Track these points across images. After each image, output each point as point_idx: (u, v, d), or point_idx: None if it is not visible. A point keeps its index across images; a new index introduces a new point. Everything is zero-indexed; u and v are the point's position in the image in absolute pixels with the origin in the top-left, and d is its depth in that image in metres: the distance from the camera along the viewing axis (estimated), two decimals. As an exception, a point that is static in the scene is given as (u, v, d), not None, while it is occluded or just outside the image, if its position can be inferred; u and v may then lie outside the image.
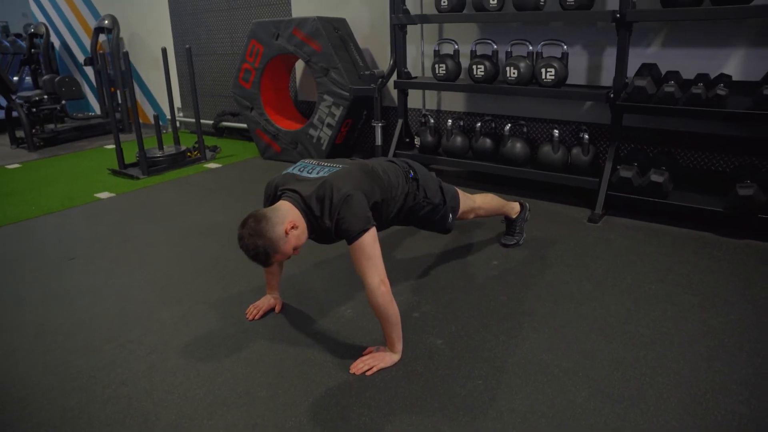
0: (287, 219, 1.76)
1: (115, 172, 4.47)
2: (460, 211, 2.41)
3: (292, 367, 1.88)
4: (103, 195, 3.92)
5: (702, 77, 2.93)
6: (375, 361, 1.84)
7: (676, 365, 1.80)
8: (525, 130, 3.67)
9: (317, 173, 1.88)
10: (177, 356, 1.97)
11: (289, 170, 1.96)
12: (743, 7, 2.64)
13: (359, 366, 1.84)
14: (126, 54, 4.43)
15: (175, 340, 2.06)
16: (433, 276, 2.52)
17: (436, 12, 3.64)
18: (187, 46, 4.52)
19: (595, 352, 1.89)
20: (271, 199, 1.94)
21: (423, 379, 1.78)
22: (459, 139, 3.77)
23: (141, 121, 6.04)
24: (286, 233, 1.75)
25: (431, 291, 2.38)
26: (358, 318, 2.17)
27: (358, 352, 1.92)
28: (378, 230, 2.16)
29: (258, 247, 1.72)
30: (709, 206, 2.84)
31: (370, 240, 1.78)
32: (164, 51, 4.53)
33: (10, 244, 3.11)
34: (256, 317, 2.19)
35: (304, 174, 1.90)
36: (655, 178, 2.95)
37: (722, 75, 2.89)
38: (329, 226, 1.81)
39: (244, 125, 5.22)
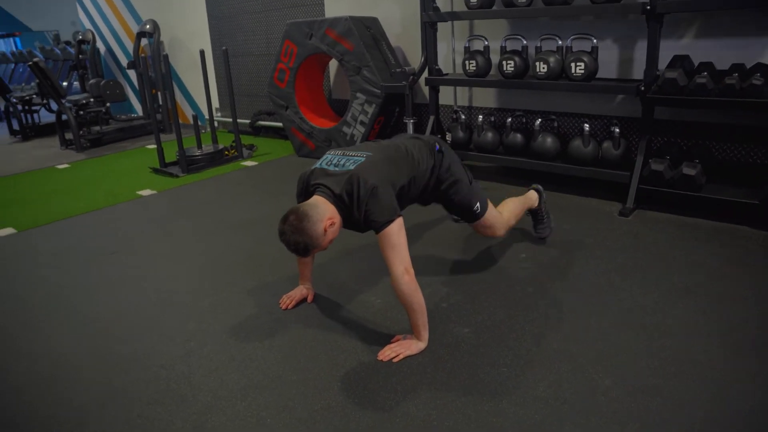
0: (326, 216, 1.84)
1: (156, 171, 4.66)
2: (489, 216, 2.35)
3: (322, 353, 1.96)
4: (145, 192, 4.10)
5: (737, 67, 2.87)
6: (402, 349, 1.90)
7: (704, 356, 1.80)
8: (556, 124, 3.67)
9: (344, 166, 1.94)
10: (213, 343, 2.07)
11: (318, 165, 2.03)
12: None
13: (386, 353, 1.90)
14: (166, 57, 4.62)
15: (211, 328, 2.17)
16: (462, 268, 2.56)
17: (465, 9, 3.67)
18: (224, 47, 4.66)
19: (620, 343, 1.90)
20: (304, 193, 2.01)
21: (448, 366, 1.83)
22: (490, 135, 3.79)
23: (180, 121, 6.25)
24: (325, 230, 1.83)
25: (460, 282, 2.42)
26: (386, 308, 2.23)
27: (386, 340, 1.98)
28: (412, 203, 2.19)
29: (299, 243, 1.81)
30: (743, 199, 2.79)
31: (396, 229, 1.84)
32: (202, 53, 4.69)
33: (59, 238, 3.29)
34: (289, 307, 2.28)
35: (332, 168, 1.97)
36: (687, 171, 2.91)
37: (759, 64, 2.82)
38: (359, 217, 1.88)
39: (280, 124, 5.35)
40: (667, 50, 3.14)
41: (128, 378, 1.88)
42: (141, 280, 2.65)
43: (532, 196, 2.71)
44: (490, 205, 2.39)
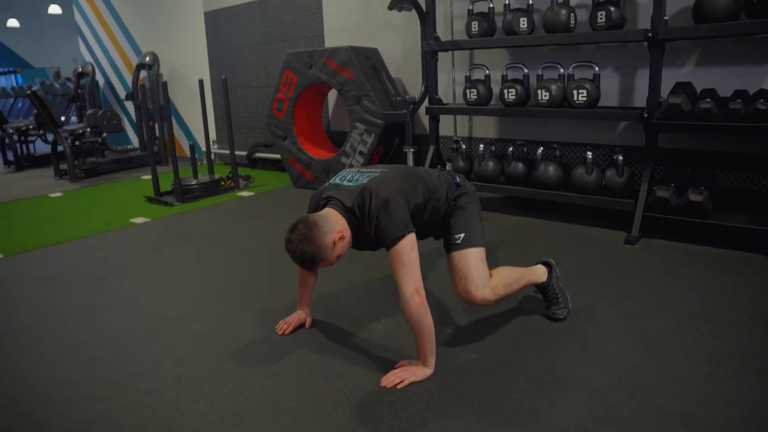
0: (336, 228, 1.75)
1: (150, 199, 4.57)
2: (472, 267, 1.93)
3: (322, 379, 1.83)
4: (138, 220, 4.00)
5: (740, 94, 2.85)
6: (406, 375, 1.78)
7: (730, 382, 1.69)
8: (557, 153, 3.62)
9: (357, 181, 1.87)
10: (204, 368, 1.94)
11: (331, 181, 1.96)
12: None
13: (390, 379, 1.78)
14: (165, 84, 4.56)
15: (203, 353, 2.04)
16: (465, 294, 2.46)
17: (466, 38, 3.68)
18: (223, 76, 4.66)
19: (638, 368, 1.79)
20: (315, 210, 1.91)
21: (457, 393, 1.71)
22: (491, 164, 3.74)
23: (177, 154, 6.22)
24: (334, 243, 1.74)
25: (465, 309, 2.31)
26: (390, 333, 2.12)
27: (390, 366, 1.86)
28: (426, 235, 2.06)
29: (305, 254, 1.71)
30: (753, 225, 2.72)
31: (408, 246, 1.74)
32: (201, 82, 4.68)
33: (49, 263, 3.17)
34: (286, 332, 2.15)
35: (345, 183, 1.89)
36: (694, 197, 2.85)
37: (762, 90, 2.80)
38: (369, 232, 1.79)
39: (277, 156, 5.31)
40: (669, 79, 3.13)
41: (111, 403, 1.74)
42: (132, 305, 2.53)
43: (537, 270, 2.18)
44: (479, 255, 1.96)
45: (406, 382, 1.76)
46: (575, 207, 3.46)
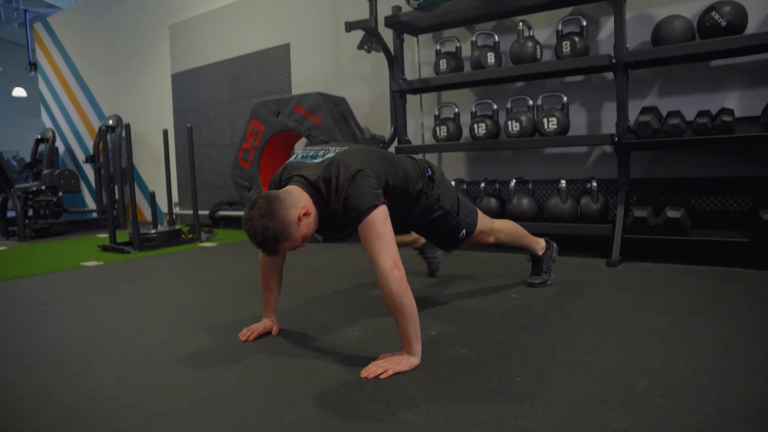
0: (300, 204, 1.61)
1: (105, 248, 4.28)
2: (477, 229, 2.21)
3: (293, 373, 1.59)
4: (90, 263, 3.70)
5: (704, 113, 2.90)
6: (390, 364, 1.56)
7: (746, 357, 1.54)
8: (530, 186, 3.58)
9: (322, 156, 1.74)
10: (153, 370, 1.67)
11: (292, 159, 1.83)
12: (736, 37, 2.69)
13: (372, 369, 1.55)
14: (128, 127, 4.39)
15: (152, 358, 1.77)
16: (447, 304, 2.28)
17: (434, 75, 3.73)
18: (189, 125, 4.57)
19: (645, 352, 1.62)
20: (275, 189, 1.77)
21: (450, 379, 1.49)
22: (463, 201, 3.67)
23: (139, 219, 5.96)
24: (299, 219, 1.59)
25: (447, 315, 2.12)
26: (366, 337, 1.90)
27: (369, 362, 1.63)
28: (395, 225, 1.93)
29: (267, 230, 1.55)
30: (733, 238, 2.68)
31: (381, 217, 1.60)
32: (165, 132, 4.58)
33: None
34: (250, 339, 1.91)
35: (309, 160, 1.76)
36: (672, 214, 2.82)
37: (723, 109, 2.86)
38: (337, 207, 1.64)
39: (242, 213, 5.14)
40: (634, 109, 3.19)
41: (35, 402, 1.45)
42: (72, 323, 2.25)
43: (540, 241, 2.52)
44: (480, 219, 2.22)
45: (390, 372, 1.53)
46: (552, 237, 3.35)
